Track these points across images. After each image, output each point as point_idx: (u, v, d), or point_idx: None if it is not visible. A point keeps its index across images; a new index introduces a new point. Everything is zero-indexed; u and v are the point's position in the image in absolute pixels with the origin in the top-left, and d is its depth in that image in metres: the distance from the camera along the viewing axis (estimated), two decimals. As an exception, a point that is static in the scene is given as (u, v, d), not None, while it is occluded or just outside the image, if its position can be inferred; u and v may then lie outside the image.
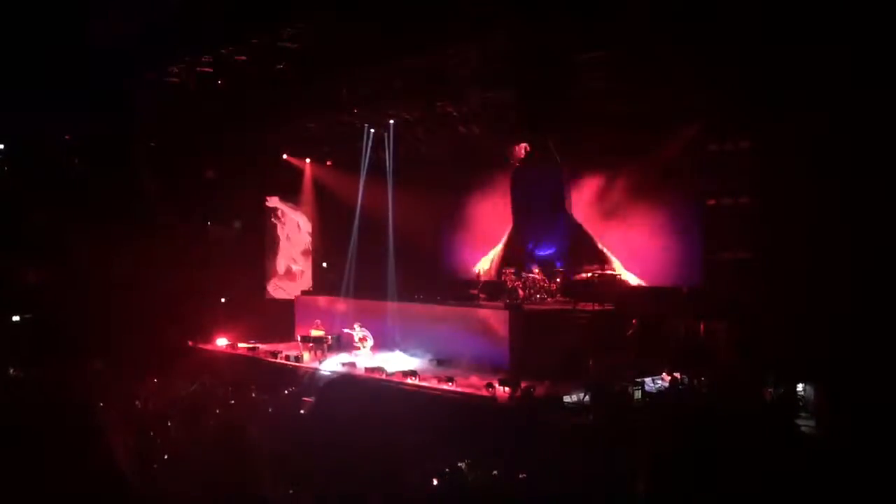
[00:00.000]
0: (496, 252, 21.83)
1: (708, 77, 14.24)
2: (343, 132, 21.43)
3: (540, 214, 20.83)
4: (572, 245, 19.89)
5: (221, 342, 20.98)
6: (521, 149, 20.63)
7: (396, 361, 18.03)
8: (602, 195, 18.81)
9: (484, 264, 22.02)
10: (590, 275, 18.84)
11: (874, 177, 12.32)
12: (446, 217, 22.03)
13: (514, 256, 20.77)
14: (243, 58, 16.55)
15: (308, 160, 23.95)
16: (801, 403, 12.91)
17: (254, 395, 15.69)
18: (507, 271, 19.94)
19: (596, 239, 19.35)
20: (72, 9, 14.56)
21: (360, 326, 19.49)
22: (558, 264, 19.94)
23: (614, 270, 18.80)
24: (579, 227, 19.75)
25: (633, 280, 18.50)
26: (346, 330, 19.56)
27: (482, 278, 21.47)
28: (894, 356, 11.30)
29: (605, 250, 19.12)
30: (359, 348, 19.18)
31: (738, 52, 13.09)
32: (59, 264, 21.41)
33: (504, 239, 21.65)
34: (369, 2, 13.64)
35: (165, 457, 10.51)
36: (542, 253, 20.25)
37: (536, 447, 11.74)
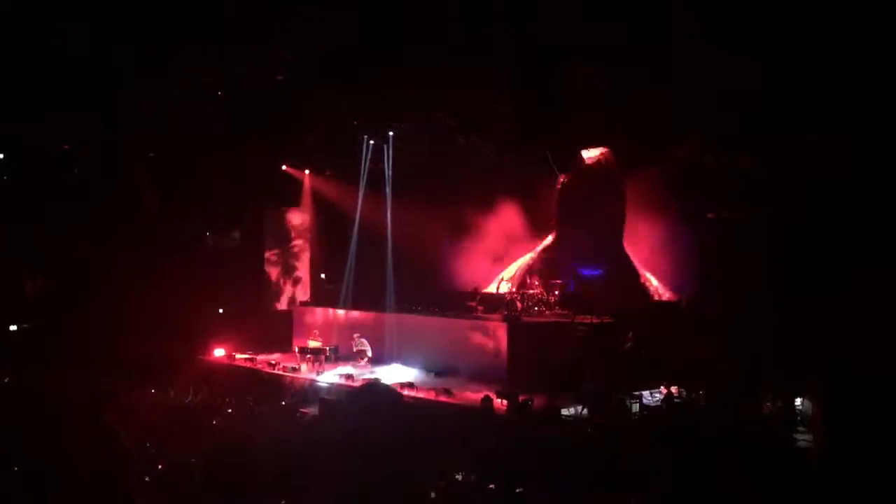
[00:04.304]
0: (521, 263, 21.31)
1: (707, 91, 14.31)
2: (342, 143, 21.48)
3: (592, 232, 19.56)
4: (617, 272, 18.89)
5: (219, 352, 20.95)
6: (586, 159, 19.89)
7: (394, 373, 18.00)
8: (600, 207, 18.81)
9: (507, 274, 21.67)
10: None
11: (873, 190, 12.34)
12: (445, 229, 22.03)
13: (548, 269, 19.96)
14: (243, 69, 16.62)
15: (307, 171, 23.98)
16: (798, 417, 12.91)
17: (251, 405, 15.65)
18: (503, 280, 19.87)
19: (642, 275, 18.61)
20: (73, 18, 14.61)
21: (359, 338, 19.47)
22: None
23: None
24: (627, 260, 19.00)
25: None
26: (351, 338, 19.60)
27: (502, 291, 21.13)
28: (892, 370, 11.28)
29: (650, 278, 18.37)
30: (357, 360, 19.16)
31: (738, 66, 13.16)
32: (59, 274, 21.42)
33: (538, 249, 21.06)
34: (369, 15, 13.72)
35: (160, 467, 10.46)
36: (586, 273, 19.20)
37: (533, 460, 11.70)
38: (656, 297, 18.25)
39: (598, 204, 19.47)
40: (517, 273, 21.21)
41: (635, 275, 18.56)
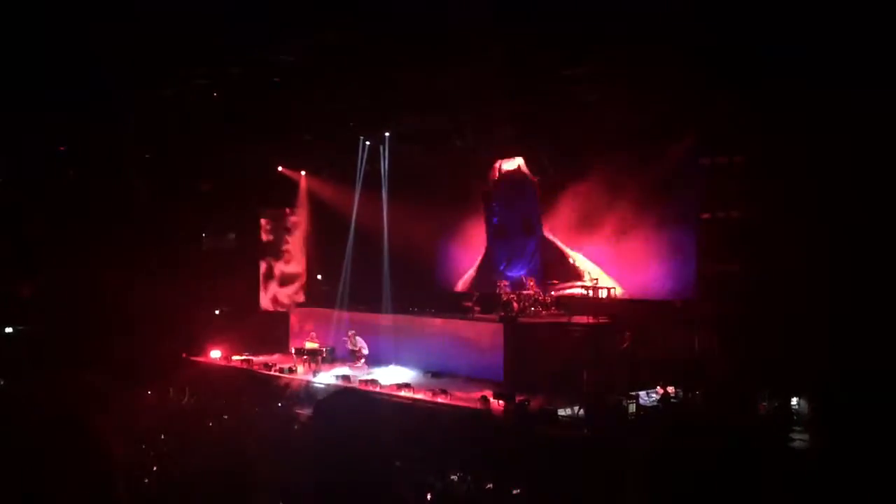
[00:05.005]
0: (470, 274, 21.73)
1: (702, 91, 14.30)
2: (339, 144, 21.45)
3: (513, 239, 20.73)
4: (544, 264, 19.80)
5: (215, 354, 20.90)
6: (496, 170, 20.82)
7: (390, 374, 17.99)
8: (596, 208, 18.77)
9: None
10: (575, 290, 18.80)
11: (867, 189, 12.36)
12: (441, 229, 22.03)
13: (486, 278, 20.55)
14: (239, 70, 16.56)
15: (303, 172, 23.95)
16: (794, 417, 12.92)
17: (247, 407, 15.63)
18: (502, 283, 19.89)
19: (568, 256, 19.35)
20: (68, 19, 14.57)
21: (354, 335, 19.45)
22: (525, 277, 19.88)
23: (589, 284, 18.53)
24: (552, 245, 19.76)
25: (617, 291, 18.32)
26: (343, 339, 19.58)
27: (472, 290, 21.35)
28: (889, 369, 11.30)
29: (577, 265, 18.98)
30: (353, 361, 19.14)
31: (734, 67, 13.15)
32: (54, 276, 21.35)
33: (477, 262, 21.51)
34: (365, 17, 13.68)
35: (154, 469, 10.43)
36: (511, 274, 19.97)
37: (530, 461, 11.71)
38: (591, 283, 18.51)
39: (516, 210, 20.57)
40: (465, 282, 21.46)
41: (565, 261, 19.30)
